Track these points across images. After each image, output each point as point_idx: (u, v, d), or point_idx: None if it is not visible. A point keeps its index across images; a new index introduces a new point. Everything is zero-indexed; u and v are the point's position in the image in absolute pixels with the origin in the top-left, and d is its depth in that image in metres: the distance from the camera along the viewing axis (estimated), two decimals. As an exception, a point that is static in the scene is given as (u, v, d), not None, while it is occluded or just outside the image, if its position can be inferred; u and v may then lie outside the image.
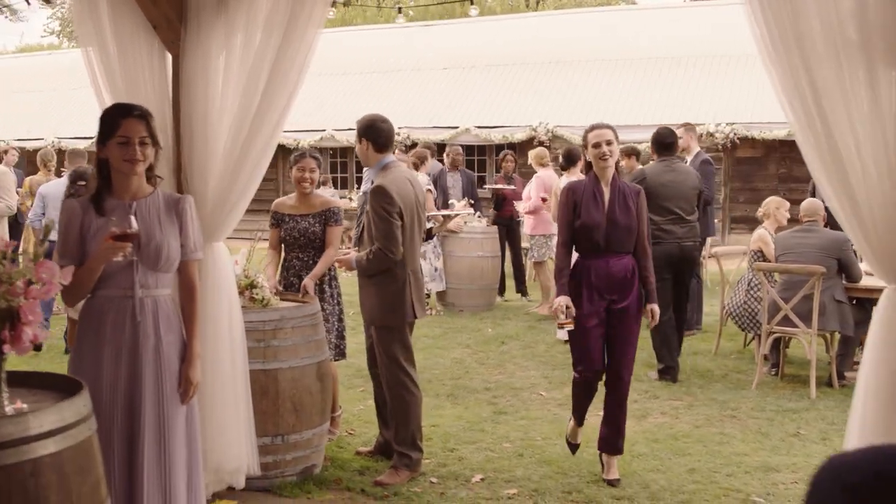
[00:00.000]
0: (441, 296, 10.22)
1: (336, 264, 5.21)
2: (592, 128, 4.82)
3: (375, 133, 4.89)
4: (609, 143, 4.72)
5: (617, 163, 4.88)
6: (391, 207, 4.67)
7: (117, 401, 3.20)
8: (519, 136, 17.50)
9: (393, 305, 4.78)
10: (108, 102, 4.20)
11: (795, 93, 3.27)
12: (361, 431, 5.71)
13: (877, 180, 3.21)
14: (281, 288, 5.28)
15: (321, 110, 19.18)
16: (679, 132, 7.89)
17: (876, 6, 3.14)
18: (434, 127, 18.16)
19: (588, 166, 4.90)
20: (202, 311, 4.24)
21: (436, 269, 9.82)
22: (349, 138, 16.43)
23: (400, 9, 14.58)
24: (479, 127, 17.88)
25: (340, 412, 5.70)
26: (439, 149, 14.07)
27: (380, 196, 4.69)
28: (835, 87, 3.21)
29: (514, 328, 9.25)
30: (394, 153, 5.29)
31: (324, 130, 18.85)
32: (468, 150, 17.28)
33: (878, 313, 3.33)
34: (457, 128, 17.98)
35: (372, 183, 4.97)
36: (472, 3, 10.09)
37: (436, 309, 10.09)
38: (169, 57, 4.37)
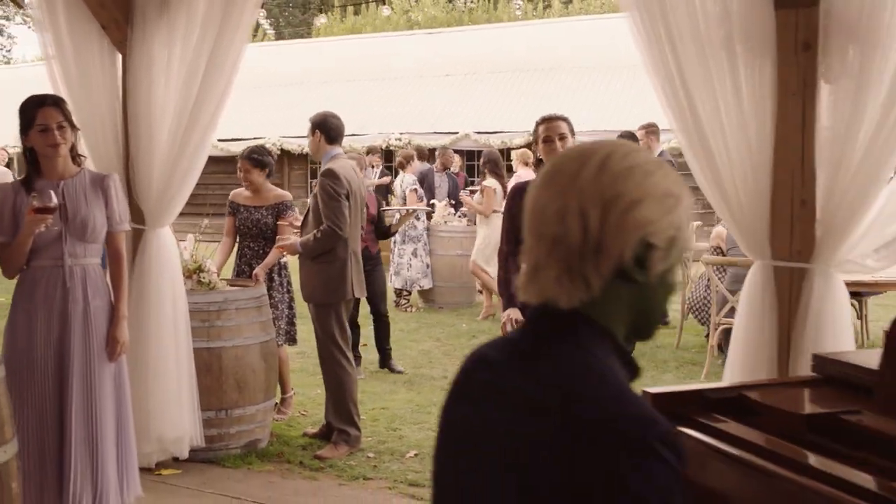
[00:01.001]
0: (424, 293, 10.51)
1: (280, 251, 5.51)
2: (543, 120, 4.30)
3: (328, 127, 5.24)
4: (562, 137, 4.20)
5: None
6: (340, 188, 5.02)
7: (49, 358, 3.54)
8: (517, 140, 17.72)
9: (334, 284, 5.10)
10: (70, 106, 4.58)
11: (670, 90, 3.56)
12: (314, 413, 6.01)
13: (740, 166, 3.49)
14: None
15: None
16: (639, 134, 8.15)
17: (738, 11, 3.43)
18: (434, 132, 18.47)
19: (539, 164, 4.43)
20: (147, 290, 4.59)
21: (427, 266, 10.12)
22: (352, 144, 16.81)
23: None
24: (478, 132, 18.18)
25: (292, 393, 6.00)
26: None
27: (330, 177, 5.04)
28: (702, 85, 3.49)
29: (488, 324, 9.51)
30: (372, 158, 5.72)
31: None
32: (469, 155, 17.61)
33: (746, 285, 3.61)
34: (457, 133, 18.28)
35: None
36: (384, 4, 10.39)
37: (417, 305, 10.38)
38: (119, 57, 4.72)
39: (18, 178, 3.73)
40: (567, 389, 1.24)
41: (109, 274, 3.78)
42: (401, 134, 18.49)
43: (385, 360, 7.25)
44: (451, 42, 22.41)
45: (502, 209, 9.21)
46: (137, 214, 4.70)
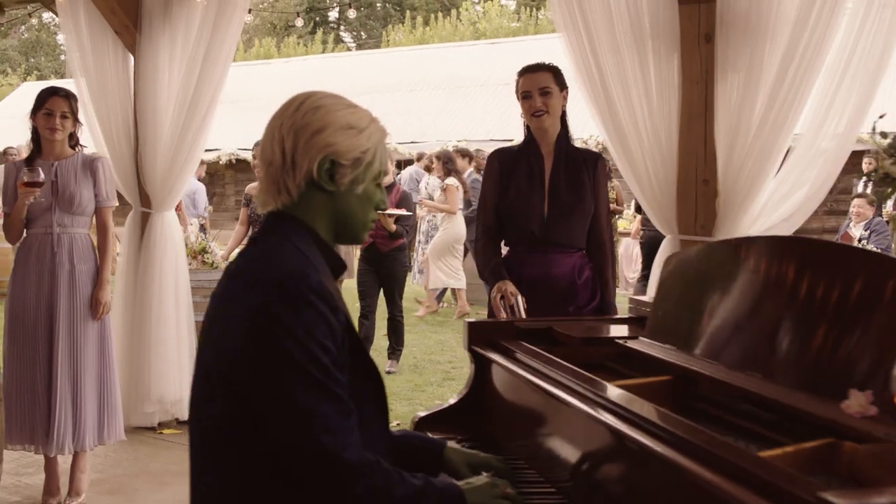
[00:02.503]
0: (458, 292, 10.86)
1: None
2: (524, 71, 3.63)
3: None
4: (545, 91, 3.54)
5: (564, 119, 3.68)
6: None
7: (40, 314, 4.08)
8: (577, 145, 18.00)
9: None
10: (88, 102, 5.20)
11: (588, 81, 3.91)
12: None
13: (650, 150, 3.82)
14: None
15: (385, 125, 20.17)
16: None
17: (647, 6, 3.77)
18: (491, 140, 18.87)
19: (527, 130, 3.69)
20: (152, 266, 5.14)
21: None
22: (410, 151, 17.42)
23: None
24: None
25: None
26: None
27: None
28: (616, 75, 3.83)
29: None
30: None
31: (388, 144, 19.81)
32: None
33: (658, 256, 3.92)
34: (512, 140, 18.63)
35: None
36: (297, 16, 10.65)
37: (449, 302, 10.78)
38: (132, 59, 5.30)
39: (22, 158, 4.30)
40: (258, 259, 1.71)
41: (97, 243, 4.31)
42: (458, 141, 18.96)
43: (389, 354, 7.28)
44: (512, 52, 22.79)
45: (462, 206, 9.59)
46: (145, 199, 5.28)
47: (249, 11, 4.93)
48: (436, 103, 21.05)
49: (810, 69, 3.44)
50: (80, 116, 4.28)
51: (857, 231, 8.51)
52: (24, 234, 4.17)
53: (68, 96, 4.16)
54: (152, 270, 5.17)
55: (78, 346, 4.08)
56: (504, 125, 19.41)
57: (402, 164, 16.11)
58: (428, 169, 10.75)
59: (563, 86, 3.63)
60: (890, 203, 8.40)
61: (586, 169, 3.63)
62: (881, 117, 2.58)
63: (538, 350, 2.27)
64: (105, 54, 5.21)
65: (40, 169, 3.98)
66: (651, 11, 3.77)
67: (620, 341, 2.30)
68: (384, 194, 1.87)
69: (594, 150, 4.01)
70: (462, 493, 1.75)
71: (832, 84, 3.46)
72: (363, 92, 22.80)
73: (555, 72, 3.62)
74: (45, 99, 4.11)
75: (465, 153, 11.42)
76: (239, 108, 22.45)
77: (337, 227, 1.79)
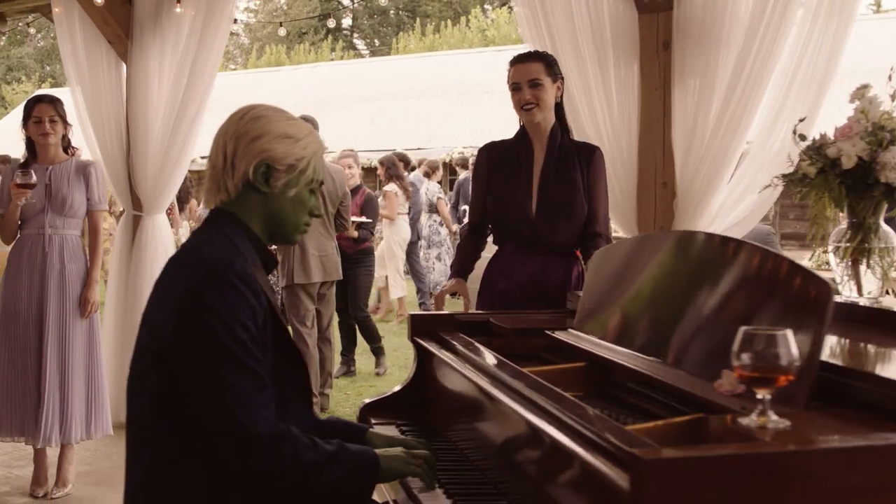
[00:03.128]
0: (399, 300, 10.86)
1: None
2: (514, 60, 3.42)
3: None
4: (535, 83, 3.32)
5: (562, 112, 3.45)
6: None
7: (31, 311, 4.26)
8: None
9: (282, 268, 5.71)
10: (83, 109, 5.40)
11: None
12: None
13: (610, 153, 3.96)
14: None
15: (392, 131, 20.42)
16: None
17: (608, 15, 3.92)
18: (497, 145, 19.04)
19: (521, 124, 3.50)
20: (142, 268, 5.32)
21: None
22: (416, 157, 17.58)
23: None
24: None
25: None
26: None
27: None
28: (579, 80, 3.98)
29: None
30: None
31: (393, 150, 20.01)
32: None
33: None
34: (517, 146, 18.79)
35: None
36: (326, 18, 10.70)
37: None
38: (124, 67, 5.50)
39: (19, 162, 4.51)
40: (192, 248, 1.90)
41: (88, 245, 4.48)
42: (463, 148, 19.11)
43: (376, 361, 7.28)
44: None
45: (406, 211, 9.63)
46: (136, 202, 5.47)
47: (355, 25, 5.07)
48: (443, 109, 21.24)
49: (761, 75, 3.58)
50: (73, 119, 4.46)
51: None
52: (19, 235, 4.35)
53: (52, 101, 4.34)
54: (143, 272, 5.35)
55: (66, 343, 4.25)
56: (510, 132, 19.55)
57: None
58: (427, 175, 10.92)
59: (556, 76, 3.37)
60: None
61: (580, 165, 3.37)
62: (801, 121, 2.71)
63: (469, 340, 2.42)
64: (99, 63, 5.41)
65: (33, 172, 4.16)
66: (612, 21, 3.93)
67: (549, 332, 2.44)
68: (318, 201, 2.03)
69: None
70: (376, 457, 1.89)
71: (782, 91, 3.60)
72: (371, 98, 23.05)
73: (547, 61, 3.37)
74: (32, 107, 4.29)
75: (403, 158, 11.32)
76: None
77: (270, 226, 1.96)
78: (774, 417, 1.41)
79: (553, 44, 4.01)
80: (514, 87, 3.36)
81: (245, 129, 1.90)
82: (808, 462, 1.25)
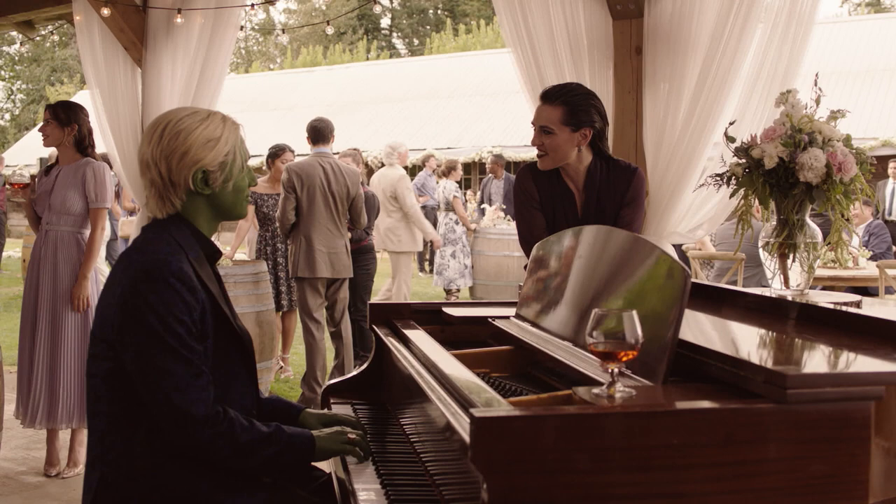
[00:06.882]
0: (471, 291, 11.25)
1: None
2: (541, 97, 3.32)
3: (310, 130, 6.15)
4: (546, 130, 3.24)
5: (598, 148, 3.30)
6: (286, 184, 5.92)
7: (29, 300, 4.58)
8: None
9: (291, 262, 5.99)
10: (102, 111, 5.69)
11: (530, 88, 4.26)
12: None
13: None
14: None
15: (422, 130, 20.66)
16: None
17: (584, 21, 4.10)
18: (525, 146, 19.18)
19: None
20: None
21: (465, 267, 10.90)
22: (446, 156, 17.81)
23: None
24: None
25: (288, 356, 7.10)
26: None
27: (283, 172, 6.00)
28: (555, 81, 4.14)
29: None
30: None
31: (424, 149, 20.28)
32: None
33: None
34: (544, 145, 18.94)
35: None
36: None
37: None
38: (139, 71, 5.79)
39: (48, 164, 4.83)
40: (136, 248, 2.12)
41: (87, 242, 4.74)
42: (493, 147, 19.31)
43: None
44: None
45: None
46: (150, 200, 5.75)
47: (393, 24, 5.32)
48: (473, 109, 21.44)
49: (726, 79, 3.73)
50: (92, 120, 4.75)
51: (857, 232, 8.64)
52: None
53: (53, 106, 4.63)
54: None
55: (58, 335, 4.50)
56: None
57: (414, 169, 16.43)
58: (445, 174, 11.14)
59: (578, 125, 3.18)
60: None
61: (619, 193, 3.29)
62: (731, 124, 2.88)
63: (414, 325, 2.64)
64: (116, 67, 5.70)
65: (29, 172, 4.46)
66: (588, 27, 4.10)
67: (490, 320, 2.64)
68: (251, 174, 2.24)
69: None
70: (312, 437, 2.12)
71: (745, 96, 3.75)
72: (401, 98, 23.33)
73: (570, 107, 3.18)
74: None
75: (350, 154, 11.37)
76: (278, 115, 23.11)
77: (219, 216, 2.20)
78: (622, 388, 1.60)
79: (533, 50, 4.20)
80: (533, 125, 3.31)
81: (170, 148, 2.09)
82: (624, 423, 1.45)
